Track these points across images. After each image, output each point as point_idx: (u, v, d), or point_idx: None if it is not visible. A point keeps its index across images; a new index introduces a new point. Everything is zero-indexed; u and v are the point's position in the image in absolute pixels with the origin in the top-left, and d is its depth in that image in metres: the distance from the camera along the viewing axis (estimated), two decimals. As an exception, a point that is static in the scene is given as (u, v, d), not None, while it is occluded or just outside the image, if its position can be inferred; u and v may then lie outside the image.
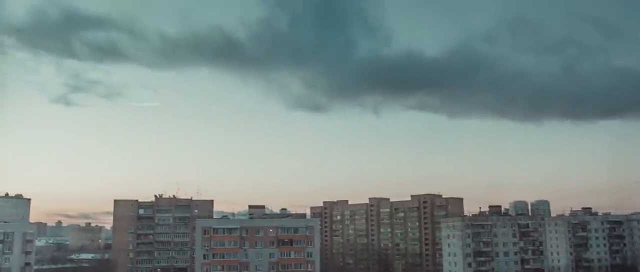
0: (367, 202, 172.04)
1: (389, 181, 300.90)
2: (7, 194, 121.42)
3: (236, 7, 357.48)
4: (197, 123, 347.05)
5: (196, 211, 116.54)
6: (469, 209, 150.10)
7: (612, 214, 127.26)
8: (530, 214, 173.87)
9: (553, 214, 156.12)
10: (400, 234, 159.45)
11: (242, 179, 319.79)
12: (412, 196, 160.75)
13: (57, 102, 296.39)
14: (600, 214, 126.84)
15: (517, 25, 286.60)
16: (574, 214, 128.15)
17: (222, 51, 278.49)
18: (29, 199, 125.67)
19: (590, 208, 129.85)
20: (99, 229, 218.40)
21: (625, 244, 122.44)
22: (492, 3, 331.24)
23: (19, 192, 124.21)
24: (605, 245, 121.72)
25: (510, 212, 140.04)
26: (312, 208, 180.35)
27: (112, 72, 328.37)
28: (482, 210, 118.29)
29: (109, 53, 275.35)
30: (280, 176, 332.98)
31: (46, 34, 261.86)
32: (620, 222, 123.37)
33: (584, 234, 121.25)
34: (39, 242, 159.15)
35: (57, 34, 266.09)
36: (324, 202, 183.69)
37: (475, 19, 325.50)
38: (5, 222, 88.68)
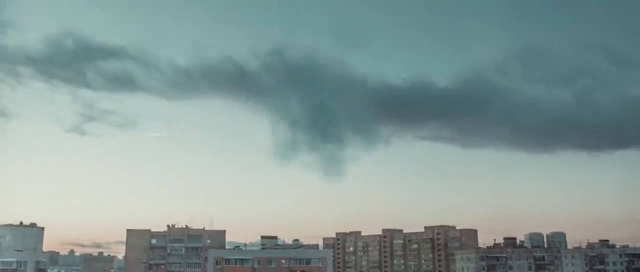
0: (380, 233, 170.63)
1: (402, 212, 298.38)
2: (21, 223, 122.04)
3: (247, 37, 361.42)
4: (210, 153, 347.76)
5: (208, 241, 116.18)
6: (484, 240, 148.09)
7: (630, 246, 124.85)
8: (546, 246, 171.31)
9: (569, 246, 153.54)
10: (414, 266, 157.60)
11: (254, 209, 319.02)
12: (425, 227, 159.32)
13: (72, 131, 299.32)
14: (618, 247, 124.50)
15: (529, 56, 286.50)
16: (591, 246, 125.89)
17: (233, 82, 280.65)
18: (43, 228, 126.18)
19: (607, 240, 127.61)
20: (111, 258, 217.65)
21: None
22: (503, 34, 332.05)
23: (32, 221, 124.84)
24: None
25: (525, 244, 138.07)
26: (324, 239, 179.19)
27: (126, 102, 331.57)
28: (496, 242, 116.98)
29: (123, 83, 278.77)
30: (293, 206, 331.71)
31: (62, 65, 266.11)
32: (638, 255, 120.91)
33: (602, 267, 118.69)
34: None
35: (72, 65, 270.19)
36: (336, 233, 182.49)
37: (486, 49, 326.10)
38: (18, 250, 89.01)
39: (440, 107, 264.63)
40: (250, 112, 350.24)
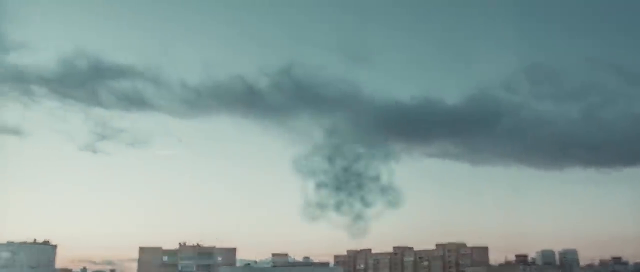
0: (391, 251, 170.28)
1: (412, 229, 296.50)
2: (34, 241, 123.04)
3: (256, 56, 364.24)
4: (220, 171, 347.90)
5: (219, 258, 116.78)
6: (495, 258, 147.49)
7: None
8: (558, 263, 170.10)
9: (582, 264, 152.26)
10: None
11: (265, 226, 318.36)
12: (436, 244, 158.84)
13: (85, 149, 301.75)
14: (632, 264, 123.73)
15: (536, 73, 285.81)
16: (603, 263, 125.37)
17: (243, 100, 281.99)
18: (55, 246, 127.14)
19: (620, 257, 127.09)
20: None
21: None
22: (510, 51, 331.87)
23: (45, 239, 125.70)
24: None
25: (537, 262, 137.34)
26: (335, 256, 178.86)
27: (138, 120, 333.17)
28: (508, 259, 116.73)
29: (134, 102, 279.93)
30: (303, 223, 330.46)
31: (75, 84, 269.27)
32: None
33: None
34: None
35: (85, 84, 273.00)
36: (347, 250, 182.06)
37: (494, 66, 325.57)
38: (32, 267, 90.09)
39: (448, 124, 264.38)
40: (260, 130, 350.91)
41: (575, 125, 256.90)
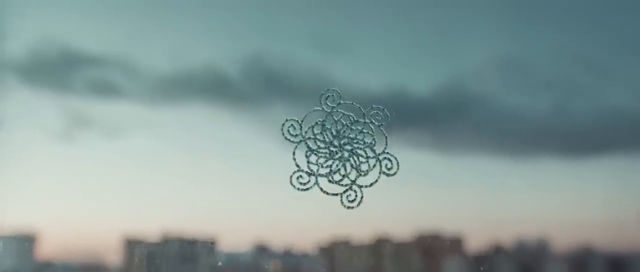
0: (369, 240, 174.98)
1: (389, 218, 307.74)
2: (13, 233, 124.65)
3: (228, 44, 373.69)
4: (197, 160, 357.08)
5: (200, 249, 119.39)
6: (470, 247, 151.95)
7: (614, 250, 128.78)
8: (531, 251, 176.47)
9: (554, 252, 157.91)
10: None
11: (245, 216, 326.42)
12: (413, 234, 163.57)
13: (60, 139, 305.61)
14: (603, 251, 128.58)
15: (507, 65, 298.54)
16: (575, 251, 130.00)
17: (215, 89, 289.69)
18: (35, 238, 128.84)
19: (591, 245, 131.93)
20: (104, 269, 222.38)
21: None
22: (482, 43, 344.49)
23: (24, 231, 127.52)
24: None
25: (511, 250, 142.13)
26: (315, 244, 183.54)
27: (112, 109, 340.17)
28: (482, 249, 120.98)
29: (108, 91, 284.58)
30: (283, 211, 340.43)
31: (46, 73, 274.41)
32: (624, 260, 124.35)
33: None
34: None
35: (57, 73, 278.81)
36: (327, 239, 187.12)
37: (465, 58, 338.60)
38: (9, 261, 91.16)
39: (419, 114, 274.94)
40: (231, 119, 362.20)
41: (546, 116, 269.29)
